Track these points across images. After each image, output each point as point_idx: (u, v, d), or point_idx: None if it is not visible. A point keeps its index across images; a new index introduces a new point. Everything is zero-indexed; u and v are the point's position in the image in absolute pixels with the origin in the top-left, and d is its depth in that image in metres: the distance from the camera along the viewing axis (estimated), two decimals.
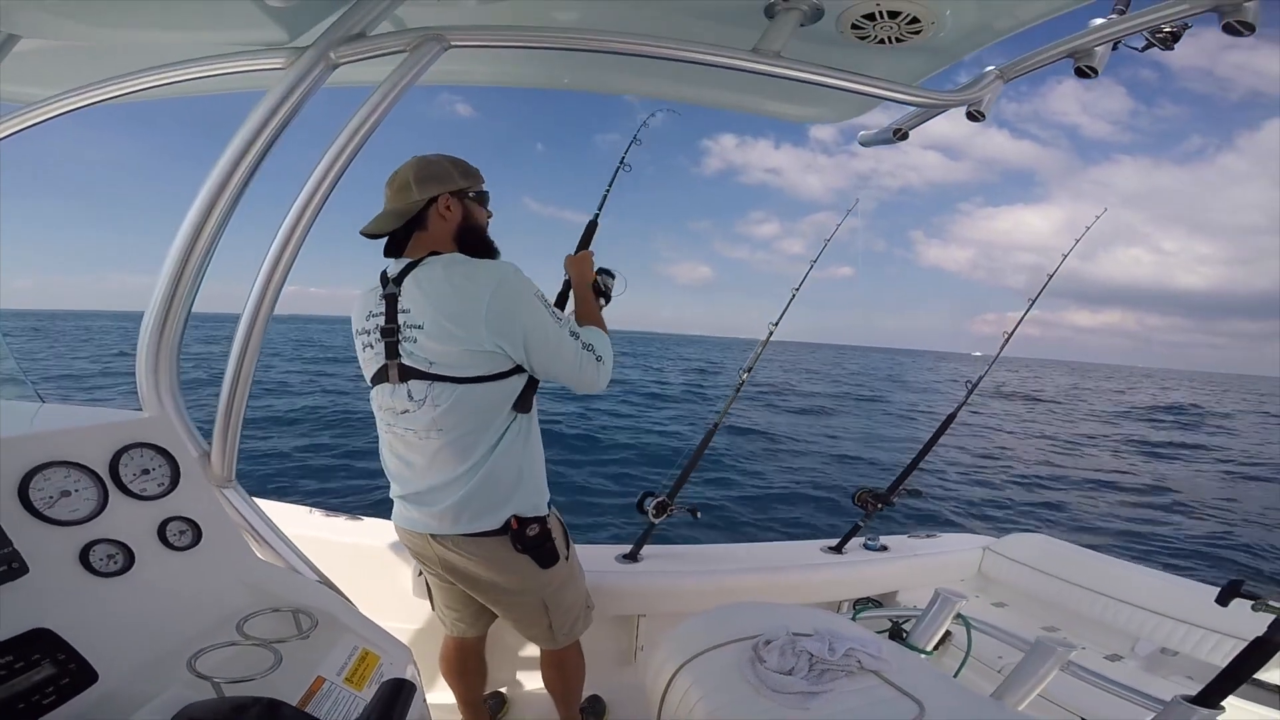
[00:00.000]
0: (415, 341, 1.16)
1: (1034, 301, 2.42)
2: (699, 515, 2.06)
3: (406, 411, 1.19)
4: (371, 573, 1.85)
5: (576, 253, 1.52)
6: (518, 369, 1.21)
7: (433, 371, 1.16)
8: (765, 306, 2.25)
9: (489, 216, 1.32)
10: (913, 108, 1.45)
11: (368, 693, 0.91)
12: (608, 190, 1.65)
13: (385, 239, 1.27)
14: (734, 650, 1.10)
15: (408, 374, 1.18)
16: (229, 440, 1.15)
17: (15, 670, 0.66)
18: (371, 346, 1.22)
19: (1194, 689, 1.08)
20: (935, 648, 1.39)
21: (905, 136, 1.61)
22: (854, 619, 1.52)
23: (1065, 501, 8.55)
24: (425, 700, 1.15)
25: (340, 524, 2.03)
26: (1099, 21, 1.19)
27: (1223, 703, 1.04)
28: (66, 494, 0.83)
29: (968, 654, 1.41)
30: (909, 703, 0.96)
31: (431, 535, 1.29)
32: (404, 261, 1.22)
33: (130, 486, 0.91)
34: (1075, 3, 1.17)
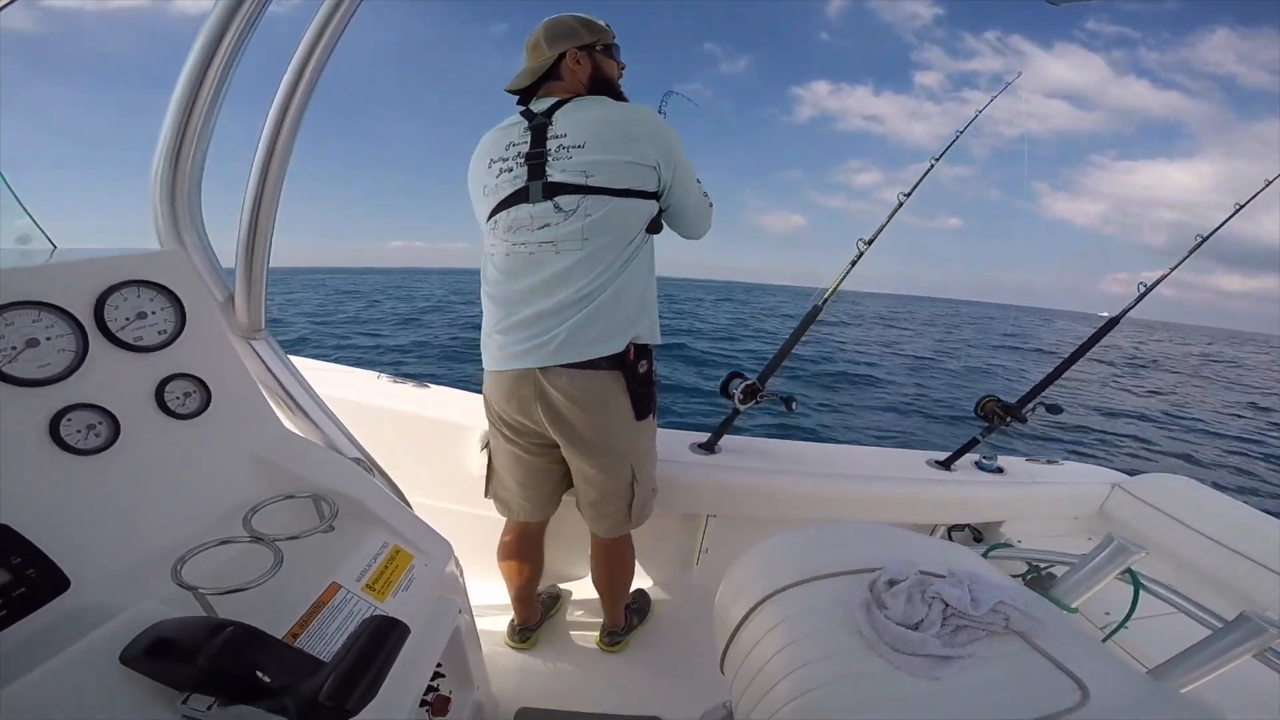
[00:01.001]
0: (571, 159, 1.18)
1: (1189, 255, 1.96)
2: (794, 406, 1.80)
3: (548, 225, 1.20)
4: (432, 448, 1.75)
5: None
6: (656, 195, 1.25)
7: (590, 184, 1.17)
8: (864, 257, 1.87)
9: (621, 68, 1.36)
10: None
11: (390, 604, 0.77)
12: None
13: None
14: (842, 585, 0.87)
15: (555, 190, 1.19)
16: (254, 279, 0.98)
17: None
18: (510, 170, 1.23)
19: None
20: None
21: None
22: (985, 556, 1.25)
23: (1222, 455, 7.57)
24: (468, 603, 1.02)
25: (405, 391, 1.92)
26: None
27: None
28: (34, 343, 0.66)
29: (1125, 621, 1.14)
30: (1066, 681, 0.72)
31: (541, 369, 1.24)
32: (549, 100, 1.25)
33: (119, 334, 0.74)
34: None
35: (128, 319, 0.76)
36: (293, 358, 1.16)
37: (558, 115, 1.22)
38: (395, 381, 1.97)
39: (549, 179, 1.19)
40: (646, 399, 1.31)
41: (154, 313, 0.79)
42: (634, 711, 1.44)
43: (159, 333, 0.79)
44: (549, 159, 1.20)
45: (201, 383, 0.81)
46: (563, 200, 1.19)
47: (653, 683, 1.53)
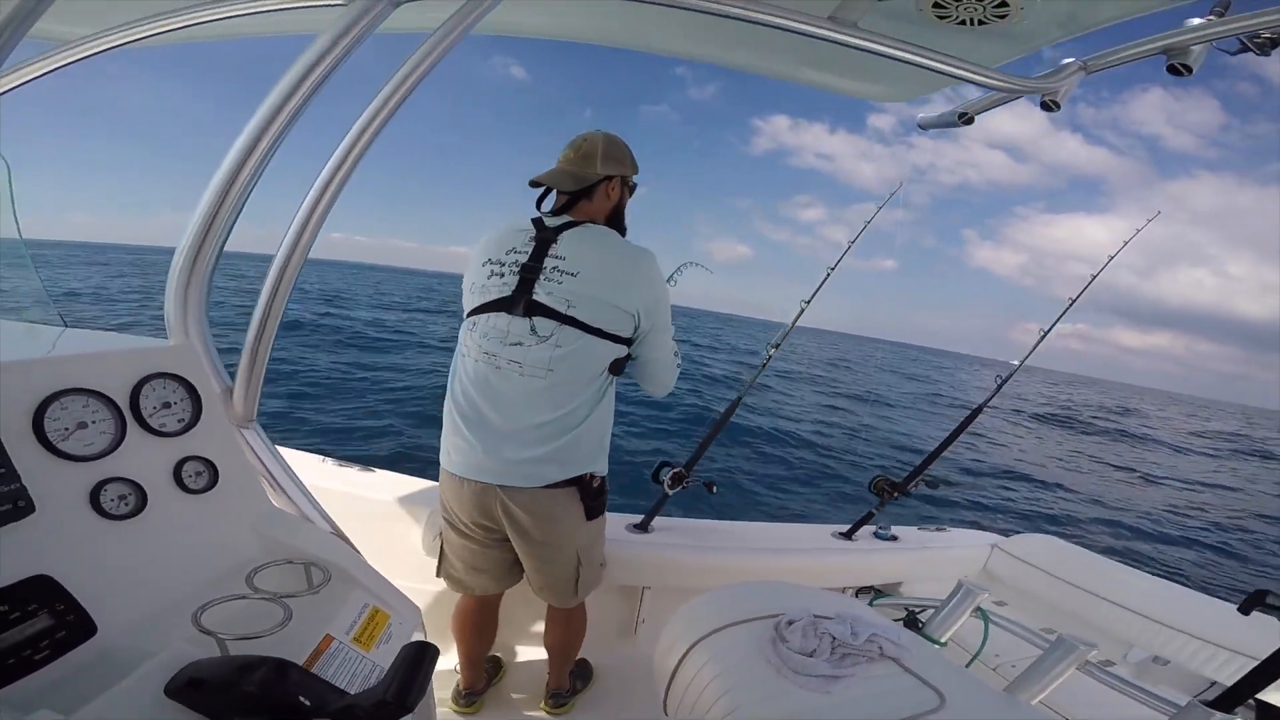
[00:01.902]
0: (560, 284, 1.22)
1: (1066, 310, 2.35)
2: (715, 490, 2.02)
3: (520, 344, 1.24)
4: (380, 527, 1.84)
5: None
6: (628, 341, 1.31)
7: (569, 314, 1.22)
8: (803, 290, 2.21)
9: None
10: (983, 92, 1.42)
11: (375, 653, 0.89)
12: None
13: (541, 191, 1.39)
14: (754, 628, 1.08)
15: (537, 309, 1.23)
16: (254, 377, 1.11)
17: (10, 621, 0.63)
18: (501, 276, 1.27)
19: (1182, 699, 1.08)
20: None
21: (970, 121, 1.54)
22: (871, 605, 1.50)
23: (1081, 510, 8.51)
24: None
25: (352, 475, 2.01)
26: (1196, 21, 1.16)
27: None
28: (83, 425, 0.79)
29: (982, 647, 1.38)
30: (929, 692, 0.94)
31: (502, 487, 1.31)
32: (563, 218, 1.31)
33: (150, 421, 0.87)
34: (1173, 1, 1.13)
35: (155, 408, 0.89)
36: None
37: (564, 236, 1.27)
38: (341, 465, 2.05)
39: (534, 296, 1.24)
40: (598, 506, 1.42)
41: (176, 402, 0.92)
42: None
43: (179, 420, 0.92)
44: (541, 276, 1.24)
45: (211, 464, 0.94)
46: (540, 324, 1.23)
47: None
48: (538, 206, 1.40)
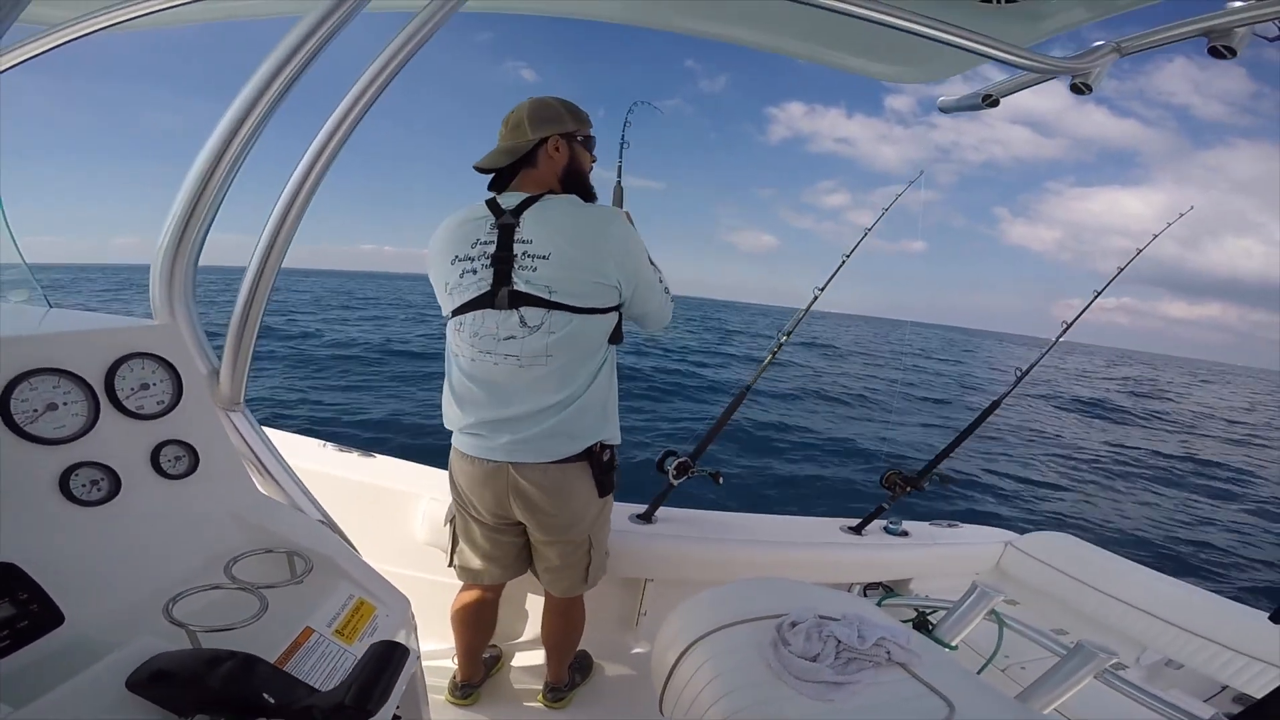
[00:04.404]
0: (535, 270, 1.20)
1: (1100, 292, 2.30)
2: (721, 480, 1.96)
3: (513, 338, 1.22)
4: (377, 514, 1.82)
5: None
6: (617, 307, 1.29)
7: (553, 299, 1.19)
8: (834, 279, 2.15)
9: (593, 161, 1.38)
10: (1009, 74, 1.38)
11: (359, 647, 0.85)
12: (619, 164, 1.63)
13: (491, 175, 1.34)
14: (755, 629, 1.03)
15: (521, 300, 1.21)
16: (240, 358, 1.08)
17: None
18: (475, 272, 1.24)
19: (1193, 704, 1.01)
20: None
21: (996, 104, 1.48)
22: (879, 605, 1.44)
23: (1113, 507, 8.24)
24: (420, 654, 1.10)
25: (352, 460, 1.98)
26: (1238, 3, 1.11)
27: None
28: (53, 407, 0.76)
29: (995, 654, 1.33)
30: (938, 701, 0.88)
31: (514, 464, 1.30)
32: (518, 196, 1.26)
33: (125, 403, 0.83)
34: None
35: (133, 389, 0.85)
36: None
37: (525, 217, 1.22)
38: (341, 450, 2.03)
39: (515, 287, 1.21)
40: (609, 481, 1.40)
41: (155, 384, 0.89)
42: None
43: (158, 402, 0.88)
44: (515, 265, 1.21)
45: (191, 448, 0.90)
46: (528, 314, 1.21)
47: None
48: (490, 189, 1.35)
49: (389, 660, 0.59)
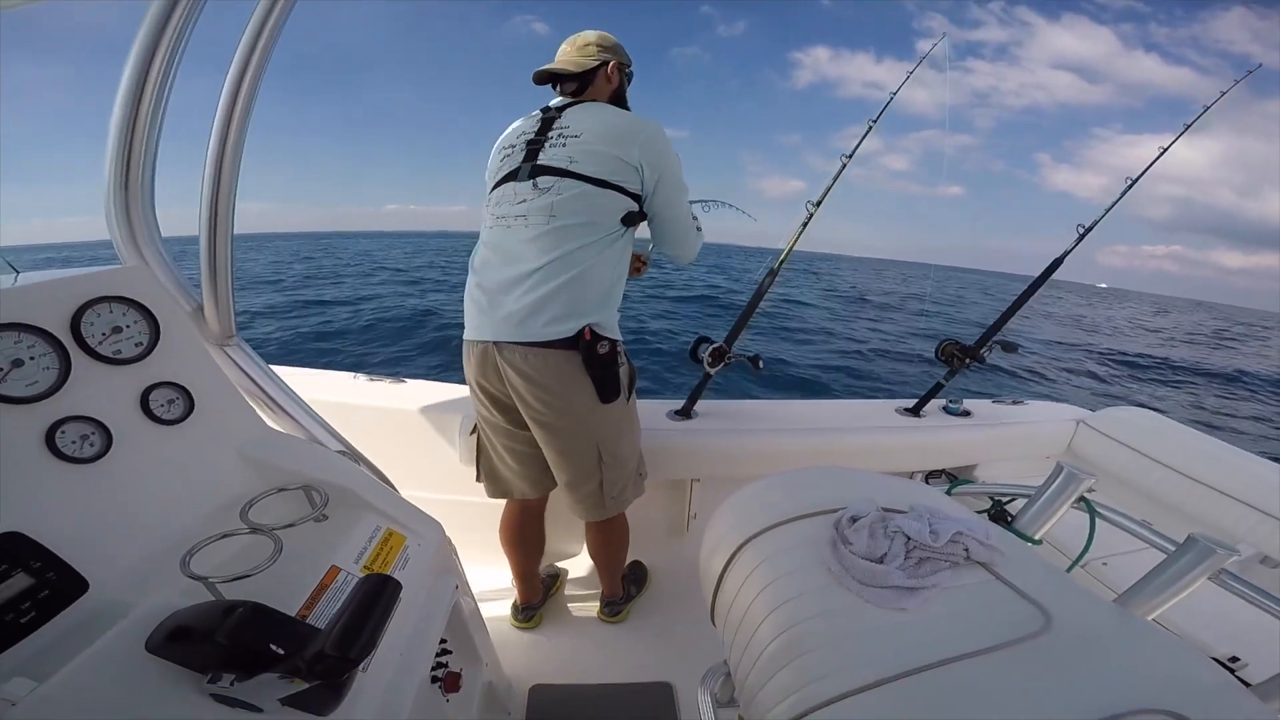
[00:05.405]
0: (564, 146, 1.26)
1: (1110, 209, 2.02)
2: (761, 365, 1.83)
3: (524, 200, 1.26)
4: (411, 440, 1.78)
5: None
6: (637, 197, 1.30)
7: (570, 169, 1.24)
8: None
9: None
10: None
11: None
12: None
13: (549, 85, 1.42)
14: (809, 526, 0.89)
15: (540, 171, 1.26)
16: (220, 289, 1.00)
17: None
18: (510, 156, 1.33)
19: None
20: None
21: None
22: (948, 494, 1.27)
23: (1180, 388, 7.53)
24: (465, 580, 1.07)
25: (382, 388, 1.94)
26: None
27: None
28: (19, 363, 0.69)
29: (1086, 548, 1.12)
30: (1029, 608, 0.72)
31: (497, 344, 1.27)
32: (568, 100, 1.36)
33: (99, 349, 0.77)
34: None
35: (104, 334, 0.78)
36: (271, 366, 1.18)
37: (569, 110, 1.31)
38: (372, 380, 1.99)
39: (538, 162, 1.27)
40: (612, 381, 1.31)
41: (128, 326, 0.81)
42: (642, 679, 1.48)
43: (135, 345, 0.82)
44: (546, 145, 1.28)
45: (183, 389, 0.84)
46: (541, 180, 1.26)
47: (656, 649, 1.58)
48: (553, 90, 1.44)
49: (377, 598, 0.54)
